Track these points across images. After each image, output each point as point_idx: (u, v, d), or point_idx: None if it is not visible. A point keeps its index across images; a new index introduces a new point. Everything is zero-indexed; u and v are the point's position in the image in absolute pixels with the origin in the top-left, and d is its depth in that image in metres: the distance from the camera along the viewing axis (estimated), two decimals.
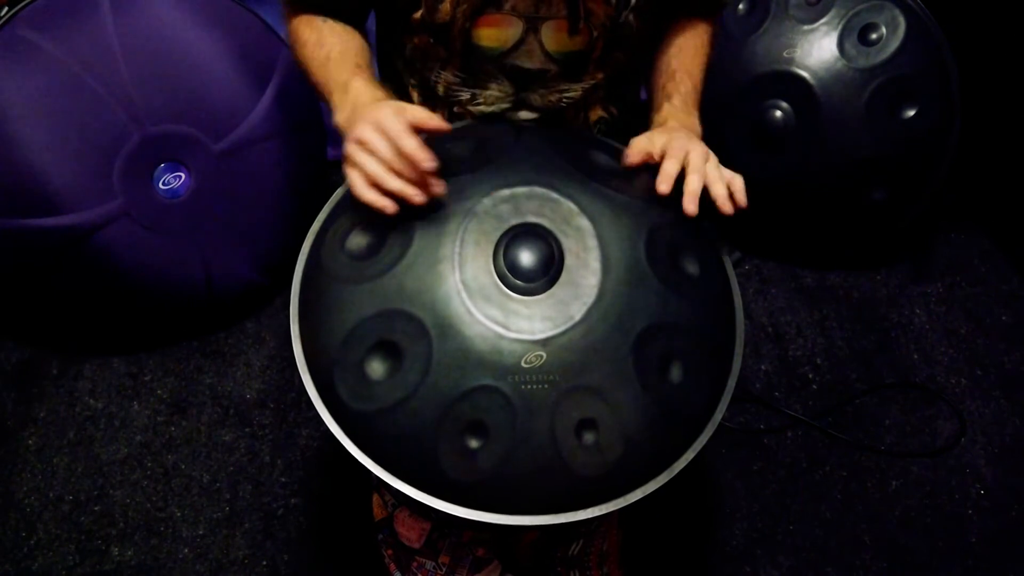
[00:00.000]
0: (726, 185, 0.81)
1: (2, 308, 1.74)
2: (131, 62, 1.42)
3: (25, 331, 1.72)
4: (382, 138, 0.76)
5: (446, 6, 0.87)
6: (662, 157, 0.83)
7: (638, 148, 0.86)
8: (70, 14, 1.43)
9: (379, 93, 0.85)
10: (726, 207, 0.80)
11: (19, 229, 1.42)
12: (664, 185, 0.81)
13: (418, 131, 0.78)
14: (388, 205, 0.77)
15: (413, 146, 0.75)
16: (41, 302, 1.62)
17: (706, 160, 0.82)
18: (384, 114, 0.77)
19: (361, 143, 0.77)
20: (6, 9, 1.44)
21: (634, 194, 0.84)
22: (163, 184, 1.49)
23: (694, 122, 0.92)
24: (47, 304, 1.62)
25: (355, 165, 0.78)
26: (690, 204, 0.80)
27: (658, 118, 0.93)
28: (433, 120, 0.79)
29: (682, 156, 0.82)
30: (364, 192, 0.77)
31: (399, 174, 0.76)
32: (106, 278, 1.51)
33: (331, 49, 0.90)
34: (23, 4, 1.43)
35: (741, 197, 0.81)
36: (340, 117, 0.85)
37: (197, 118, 1.48)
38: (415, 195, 0.76)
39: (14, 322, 1.73)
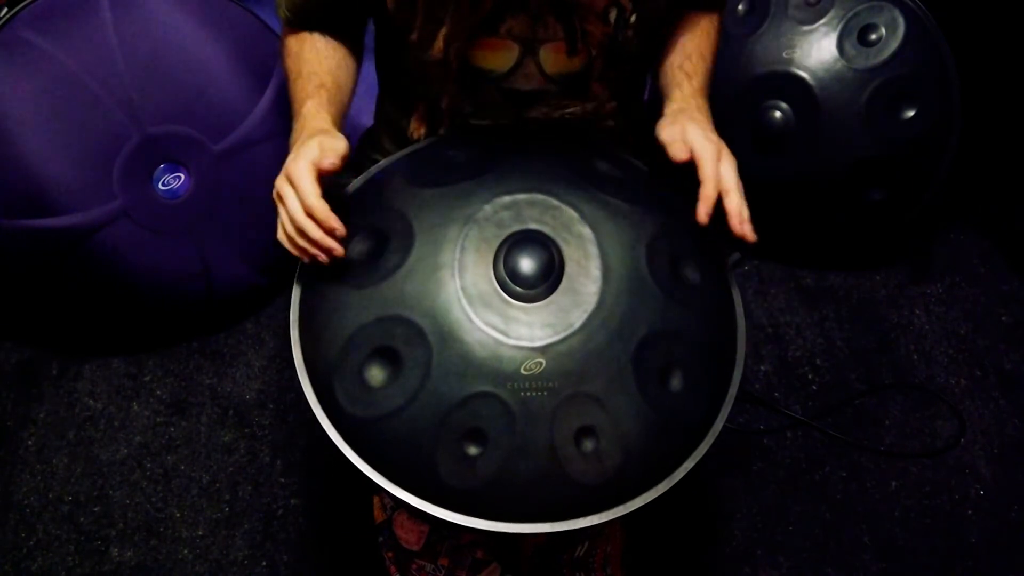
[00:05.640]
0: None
1: (2, 308, 1.74)
2: (131, 62, 1.42)
3: (25, 331, 1.71)
4: (293, 196, 0.77)
5: (439, 43, 0.86)
6: (697, 162, 0.82)
7: (680, 145, 0.83)
8: (70, 14, 1.42)
9: (321, 122, 0.84)
10: (740, 229, 0.80)
11: (19, 230, 1.42)
12: (705, 214, 0.80)
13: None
14: (303, 256, 0.79)
15: (323, 213, 0.76)
16: (41, 302, 1.62)
17: (735, 172, 0.82)
18: (297, 168, 0.77)
19: (277, 194, 0.79)
20: (6, 9, 1.44)
21: (636, 201, 0.83)
22: (163, 184, 1.49)
23: (707, 107, 0.92)
24: (47, 304, 1.62)
25: (278, 207, 0.80)
26: (742, 226, 0.80)
27: (678, 95, 0.91)
28: (336, 159, 0.78)
29: (716, 175, 0.81)
30: (281, 239, 0.80)
31: (302, 232, 0.77)
32: (106, 278, 1.51)
33: (303, 65, 0.91)
34: (23, 4, 1.43)
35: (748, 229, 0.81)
36: (291, 140, 0.86)
37: (197, 118, 1.48)
38: (318, 255, 0.77)
39: (14, 322, 1.73)
